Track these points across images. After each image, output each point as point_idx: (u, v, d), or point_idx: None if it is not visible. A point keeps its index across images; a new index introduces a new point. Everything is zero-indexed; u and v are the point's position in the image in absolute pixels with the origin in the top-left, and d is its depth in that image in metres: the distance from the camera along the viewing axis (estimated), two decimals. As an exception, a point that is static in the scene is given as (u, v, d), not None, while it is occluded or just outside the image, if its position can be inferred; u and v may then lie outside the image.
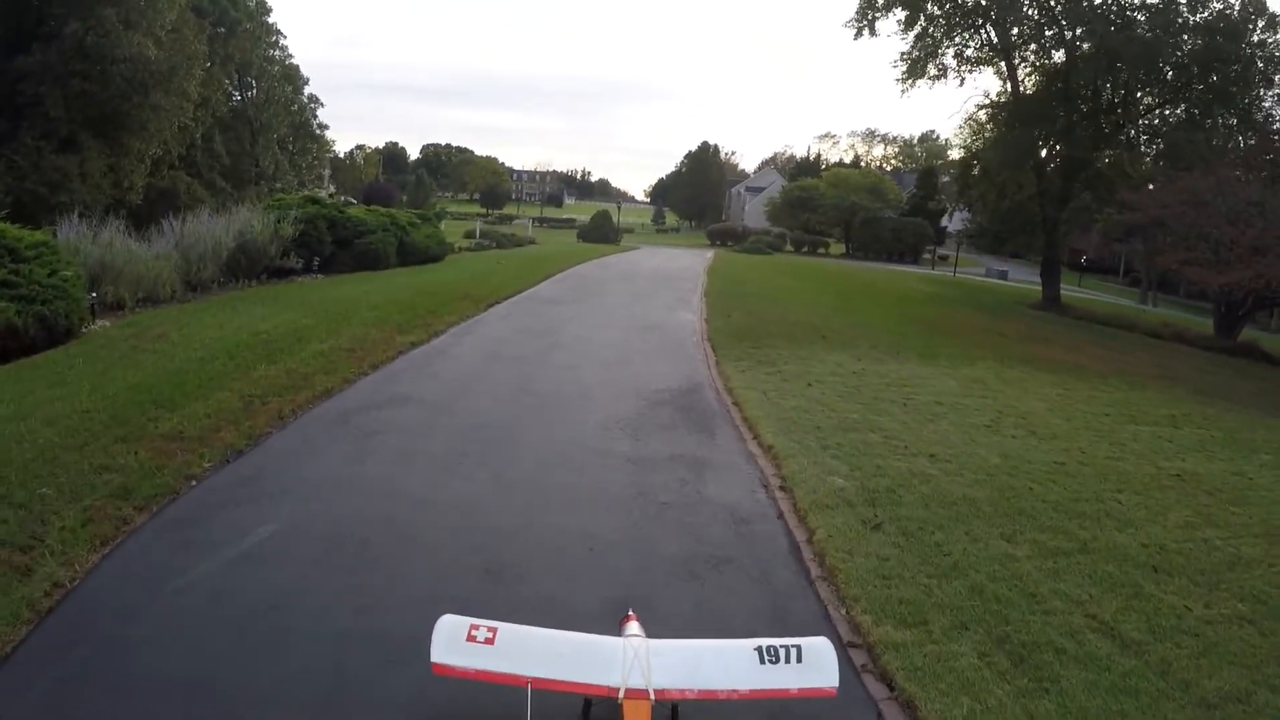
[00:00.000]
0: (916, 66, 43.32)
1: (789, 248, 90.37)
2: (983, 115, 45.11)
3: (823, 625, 7.40)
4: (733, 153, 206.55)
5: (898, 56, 43.85)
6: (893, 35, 48.73)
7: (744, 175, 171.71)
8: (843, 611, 7.73)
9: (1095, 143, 40.73)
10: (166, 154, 60.50)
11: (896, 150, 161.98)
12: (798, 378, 16.91)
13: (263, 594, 7.27)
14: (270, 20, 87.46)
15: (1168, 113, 41.51)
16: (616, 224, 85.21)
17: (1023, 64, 42.61)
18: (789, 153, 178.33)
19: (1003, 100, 42.62)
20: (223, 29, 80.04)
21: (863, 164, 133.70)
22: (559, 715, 5.58)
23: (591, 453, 11.53)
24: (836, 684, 5.61)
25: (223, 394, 12.55)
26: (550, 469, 10.76)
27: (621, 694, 5.30)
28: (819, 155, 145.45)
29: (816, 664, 5.67)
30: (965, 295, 46.08)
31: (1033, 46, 42.28)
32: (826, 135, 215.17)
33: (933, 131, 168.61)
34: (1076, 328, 36.09)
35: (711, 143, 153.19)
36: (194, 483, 9.53)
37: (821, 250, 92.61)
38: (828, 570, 8.41)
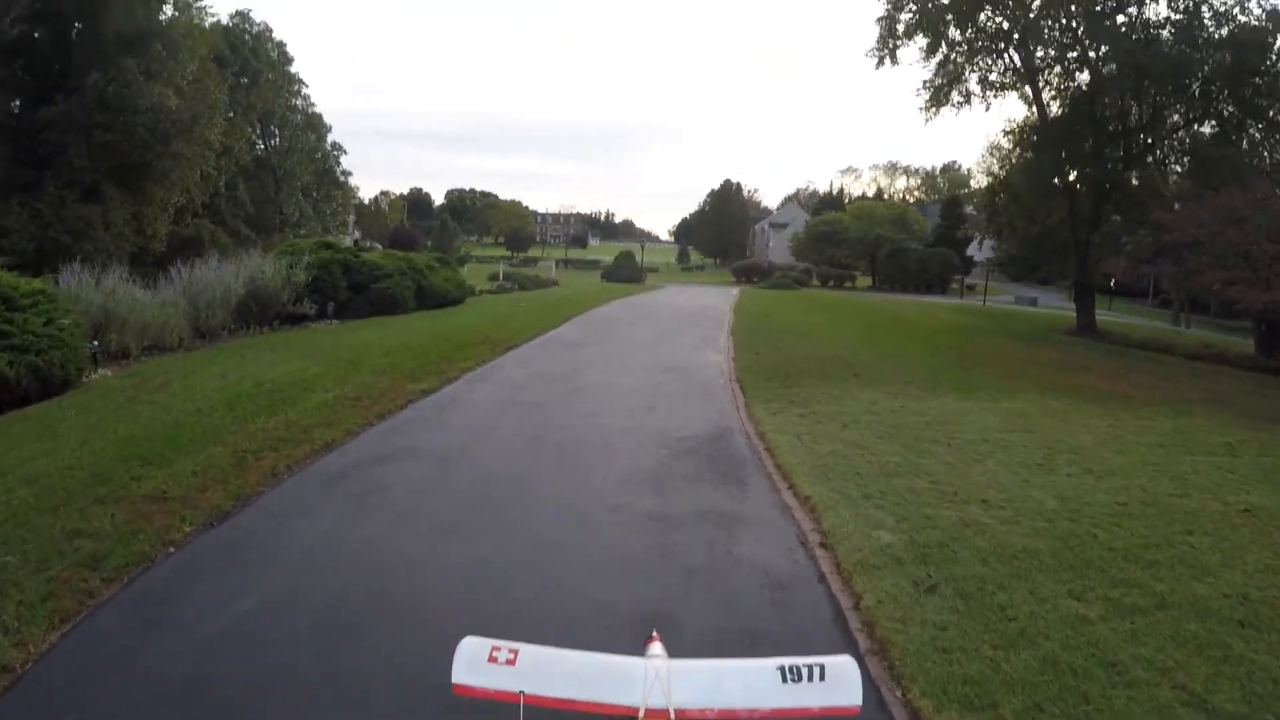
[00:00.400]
0: (940, 94, 42.36)
1: (815, 282, 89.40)
2: (1007, 141, 44.09)
3: (875, 713, 6.42)
4: (755, 190, 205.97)
5: (920, 85, 42.95)
6: (914, 64, 48.27)
7: (767, 212, 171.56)
8: (898, 694, 6.70)
9: (1125, 163, 39.60)
10: (190, 202, 60.74)
11: (919, 182, 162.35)
12: (832, 419, 15.91)
13: (233, 682, 6.40)
14: (292, 70, 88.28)
15: (1196, 129, 40.39)
16: (640, 264, 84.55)
17: (1047, 87, 41.58)
18: (811, 188, 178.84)
19: (1029, 124, 41.55)
20: (245, 79, 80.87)
21: (885, 196, 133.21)
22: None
23: (611, 509, 10.56)
24: (860, 703, 5.25)
25: (215, 449, 11.78)
26: (565, 529, 9.81)
27: (641, 713, 5.10)
28: (841, 189, 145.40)
29: (840, 683, 5.35)
30: (997, 324, 44.86)
31: (1057, 69, 41.30)
32: (848, 169, 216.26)
33: (955, 162, 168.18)
34: (1114, 353, 34.85)
35: (734, 180, 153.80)
36: (172, 549, 8.69)
37: (848, 284, 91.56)
38: (879, 643, 7.38)
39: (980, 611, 7.89)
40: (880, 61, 41.43)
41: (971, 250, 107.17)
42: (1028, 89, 41.99)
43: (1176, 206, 37.89)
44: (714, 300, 51.75)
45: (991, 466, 13.01)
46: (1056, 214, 42.42)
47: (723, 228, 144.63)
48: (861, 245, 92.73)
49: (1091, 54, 39.43)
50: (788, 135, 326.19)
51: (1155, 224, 36.82)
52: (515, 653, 5.41)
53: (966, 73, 41.51)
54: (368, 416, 14.32)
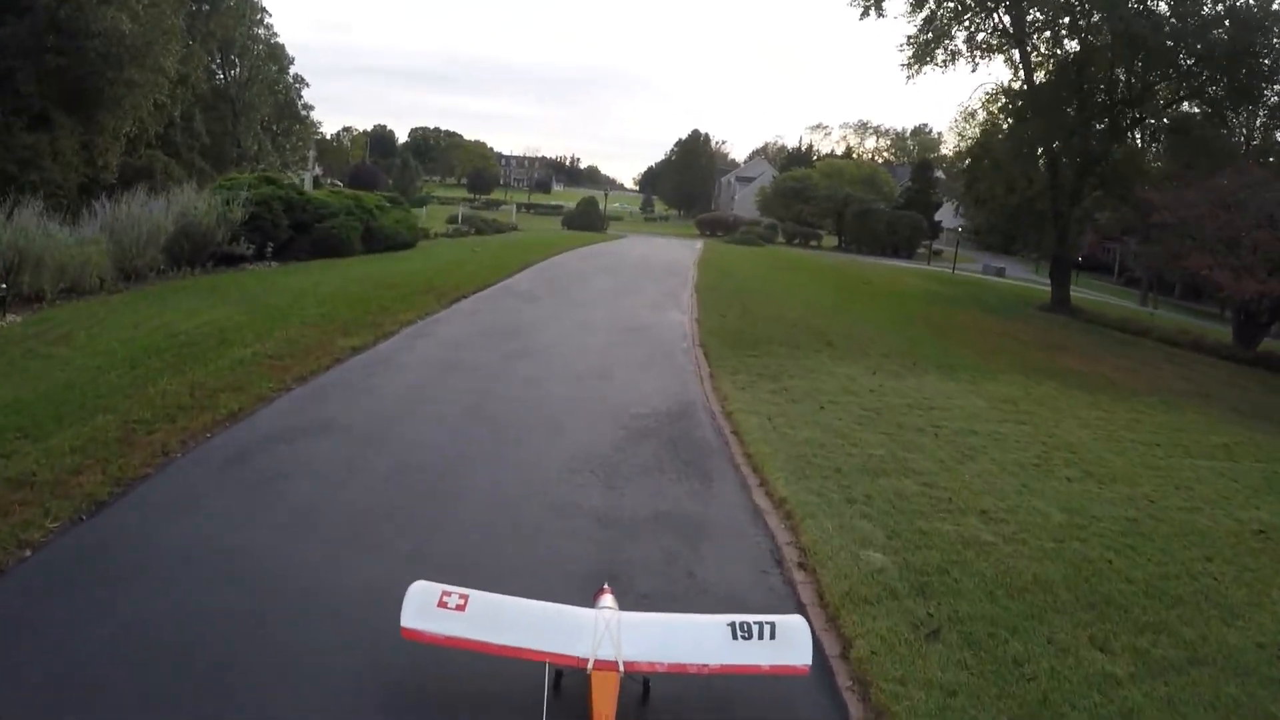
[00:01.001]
0: (924, 51, 40.78)
1: (780, 239, 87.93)
2: (993, 106, 42.56)
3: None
4: (723, 142, 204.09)
5: (904, 40, 41.38)
6: (899, 17, 46.72)
7: (734, 165, 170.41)
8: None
9: (1110, 137, 38.26)
10: (143, 132, 58.44)
11: (889, 143, 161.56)
12: (807, 397, 14.47)
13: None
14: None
15: (1185, 108, 39.13)
16: (603, 212, 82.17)
17: (1034, 52, 40.06)
18: (780, 143, 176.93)
19: (1016, 90, 40.01)
20: (205, 5, 78.08)
21: (855, 155, 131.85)
22: (531, 686, 5.36)
23: (552, 511, 8.98)
24: (809, 662, 5.62)
25: (104, 418, 10.10)
26: (494, 540, 8.20)
27: (590, 665, 5.26)
28: (810, 146, 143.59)
29: (790, 642, 5.66)
30: (968, 294, 43.67)
31: (1046, 34, 39.79)
32: (818, 126, 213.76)
33: (926, 124, 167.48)
34: (1091, 333, 33.83)
35: (702, 131, 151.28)
36: (27, 553, 7.06)
37: (813, 243, 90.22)
38: (875, 712, 5.95)
39: (993, 668, 6.52)
40: (865, 12, 39.90)
41: (940, 215, 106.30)
42: (1015, 53, 40.54)
43: (1155, 186, 36.85)
44: (678, 253, 50.07)
45: (985, 465, 11.66)
46: (1037, 185, 41.21)
47: (689, 179, 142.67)
48: (829, 204, 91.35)
49: (1082, 21, 37.91)
50: (759, 89, 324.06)
51: (1139, 202, 35.70)
52: (466, 599, 5.60)
53: (954, 30, 39.82)
54: (285, 379, 12.62)
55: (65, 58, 44.62)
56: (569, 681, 5.55)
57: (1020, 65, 40.34)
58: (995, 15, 39.72)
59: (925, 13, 39.87)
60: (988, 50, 40.61)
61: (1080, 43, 38.26)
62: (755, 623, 5.73)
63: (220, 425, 10.53)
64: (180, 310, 17.27)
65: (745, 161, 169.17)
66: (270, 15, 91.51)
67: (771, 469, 10.44)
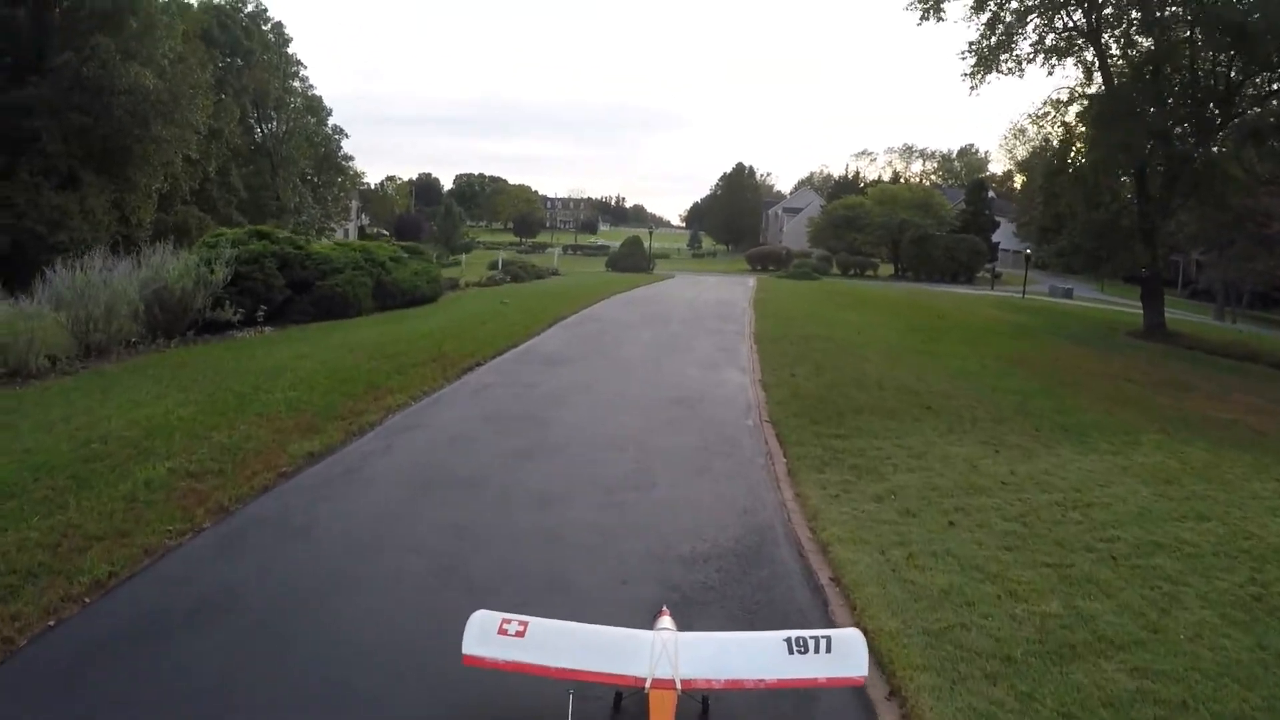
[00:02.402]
0: (988, 58, 36.90)
1: (835, 270, 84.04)
2: (1067, 114, 38.40)
3: None
4: (768, 174, 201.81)
5: (965, 47, 37.42)
6: (959, 21, 43.02)
7: (780, 196, 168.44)
8: None
9: (1200, 139, 33.88)
10: (177, 189, 58.83)
11: (935, 165, 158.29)
12: (925, 502, 10.49)
13: None
14: (290, 51, 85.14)
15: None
16: (649, 251, 78.26)
17: (1109, 50, 35.90)
18: (825, 171, 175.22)
19: (1095, 93, 35.78)
20: (237, 59, 76.84)
21: (901, 180, 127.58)
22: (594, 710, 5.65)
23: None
24: (865, 674, 5.64)
25: None
26: None
27: (648, 684, 5.34)
28: (857, 173, 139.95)
29: (846, 654, 5.67)
30: (1050, 323, 39.42)
31: (1120, 30, 35.63)
32: (863, 152, 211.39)
33: (972, 145, 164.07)
34: (1199, 363, 29.47)
35: (746, 164, 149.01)
36: None
37: (869, 273, 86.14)
38: None
39: None
40: (925, 15, 36.01)
41: (997, 236, 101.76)
42: (1087, 54, 36.50)
43: (1252, 193, 32.67)
44: (729, 293, 46.28)
45: (1197, 611, 7.82)
46: (1122, 198, 36.98)
47: (735, 212, 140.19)
48: (884, 231, 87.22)
49: (1161, 13, 33.79)
50: (800, 118, 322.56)
51: (1239, 210, 31.45)
52: (525, 625, 5.78)
53: (1023, 31, 35.88)
54: (197, 514, 8.97)
55: (91, 116, 44.37)
56: (628, 702, 5.73)
57: (1097, 66, 36.25)
58: (1064, 13, 35.69)
59: (988, 14, 36.07)
60: (1057, 53, 36.59)
61: (1156, 39, 34.14)
62: (811, 637, 5.76)
63: (66, 607, 6.88)
64: (121, 400, 13.93)
65: (791, 192, 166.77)
66: (306, 67, 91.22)
67: (907, 669, 6.48)
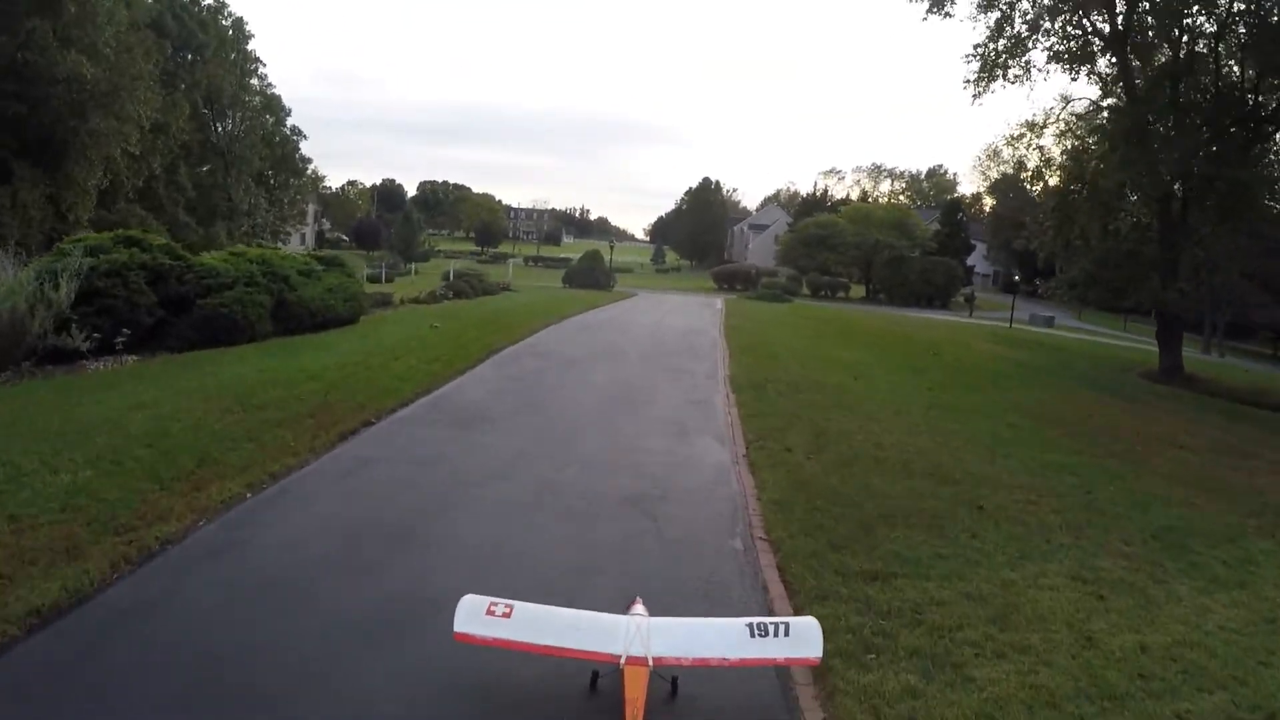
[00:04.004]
0: (993, 64, 32.91)
1: (805, 291, 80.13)
2: (1083, 130, 34.36)
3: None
4: (734, 189, 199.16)
5: (970, 51, 33.37)
6: (965, 20, 39.41)
7: (746, 213, 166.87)
8: None
9: (1236, 155, 29.88)
10: (118, 185, 56.18)
11: (904, 185, 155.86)
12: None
13: None
14: (250, 49, 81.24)
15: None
16: (609, 265, 73.06)
17: (1133, 59, 31.89)
18: (792, 189, 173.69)
19: (1121, 106, 31.64)
20: (189, 53, 72.60)
21: (869, 199, 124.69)
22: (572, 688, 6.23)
23: None
24: (820, 655, 6.29)
25: None
26: None
27: (623, 660, 5.84)
28: (825, 190, 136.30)
29: (803, 638, 6.33)
30: (1054, 361, 35.27)
31: (1147, 35, 31.69)
32: (831, 170, 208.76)
33: (940, 165, 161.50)
34: (1238, 417, 25.48)
35: (713, 179, 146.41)
36: None
37: (841, 294, 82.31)
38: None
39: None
40: (930, 9, 31.88)
41: (971, 260, 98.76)
42: (1102, 62, 32.58)
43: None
44: (697, 318, 41.69)
45: None
46: (1144, 224, 33.04)
47: (701, 228, 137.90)
48: (857, 252, 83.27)
49: (1187, 21, 29.93)
50: (768, 135, 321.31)
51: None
52: (511, 608, 6.35)
53: (1035, 37, 31.89)
54: None
55: (25, 105, 43.00)
56: (604, 683, 6.21)
57: (1117, 77, 32.25)
58: (1081, 15, 31.66)
59: (997, 13, 32.05)
60: (1072, 61, 32.57)
61: (1180, 45, 30.36)
62: (771, 623, 6.50)
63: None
64: None
65: (757, 209, 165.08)
66: (265, 65, 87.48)
67: None
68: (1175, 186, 30.94)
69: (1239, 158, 29.31)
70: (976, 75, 33.29)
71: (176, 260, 21.15)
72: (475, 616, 6.28)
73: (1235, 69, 30.77)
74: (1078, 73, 32.64)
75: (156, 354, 19.39)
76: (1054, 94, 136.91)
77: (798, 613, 7.74)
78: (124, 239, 20.79)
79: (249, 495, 10.15)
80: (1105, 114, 32.92)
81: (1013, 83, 33.31)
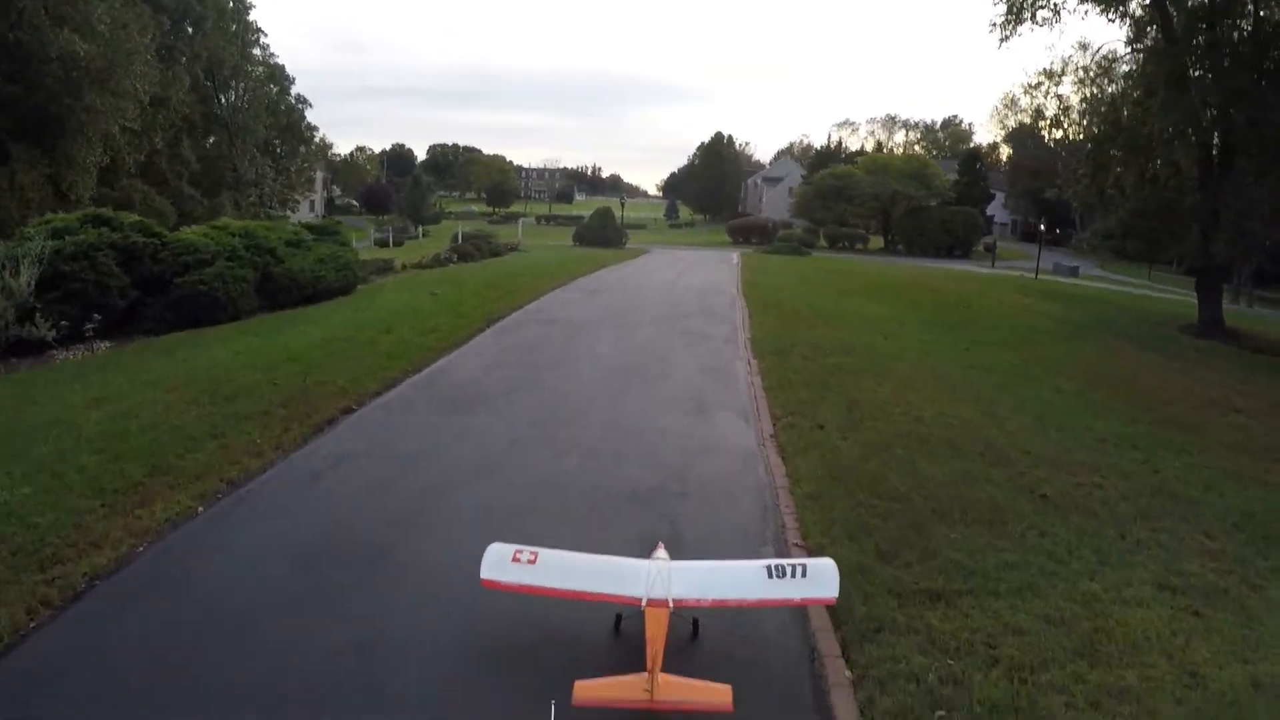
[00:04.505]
0: (1021, 5, 31.02)
1: (823, 244, 78.19)
2: (1117, 75, 32.41)
3: None
4: (747, 143, 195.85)
5: (995, -9, 31.45)
6: None
7: (759, 166, 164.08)
8: None
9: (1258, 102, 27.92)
10: (119, 161, 54.47)
11: (919, 136, 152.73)
12: None
13: None
14: (251, 19, 79.58)
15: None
16: (620, 222, 71.05)
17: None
18: (805, 141, 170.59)
19: (1163, 48, 29.55)
20: (187, 25, 70.84)
21: (885, 150, 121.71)
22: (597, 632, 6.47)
23: None
24: (836, 594, 6.27)
25: None
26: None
27: (644, 602, 5.90)
28: (840, 142, 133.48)
29: (819, 579, 6.32)
30: (1091, 315, 33.37)
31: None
32: (845, 122, 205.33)
33: (956, 116, 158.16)
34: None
35: (725, 133, 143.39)
36: None
37: (860, 246, 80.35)
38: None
39: None
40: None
41: (991, 209, 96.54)
42: (1134, 3, 30.59)
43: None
44: (713, 274, 40.04)
45: None
46: (1187, 170, 31.09)
47: (714, 182, 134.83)
48: (876, 202, 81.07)
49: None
50: (781, 87, 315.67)
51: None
52: (536, 555, 6.48)
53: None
54: None
55: (19, 85, 41.89)
56: (627, 625, 6.41)
57: (1149, 18, 30.25)
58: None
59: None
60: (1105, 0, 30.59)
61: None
62: (789, 565, 6.54)
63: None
64: None
65: (771, 162, 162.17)
66: (266, 35, 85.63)
67: None
68: (1214, 134, 28.97)
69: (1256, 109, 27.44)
70: (1004, 18, 31.36)
71: (151, 238, 19.74)
72: (501, 563, 6.40)
73: (1277, 10, 28.78)
74: (1114, 12, 30.59)
75: (133, 339, 18.23)
76: (1073, 41, 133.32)
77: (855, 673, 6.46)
78: (92, 218, 19.43)
79: (200, 509, 8.79)
80: (1140, 57, 30.88)
81: (1041, 25, 31.41)
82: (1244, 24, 28.85)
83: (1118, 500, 10.26)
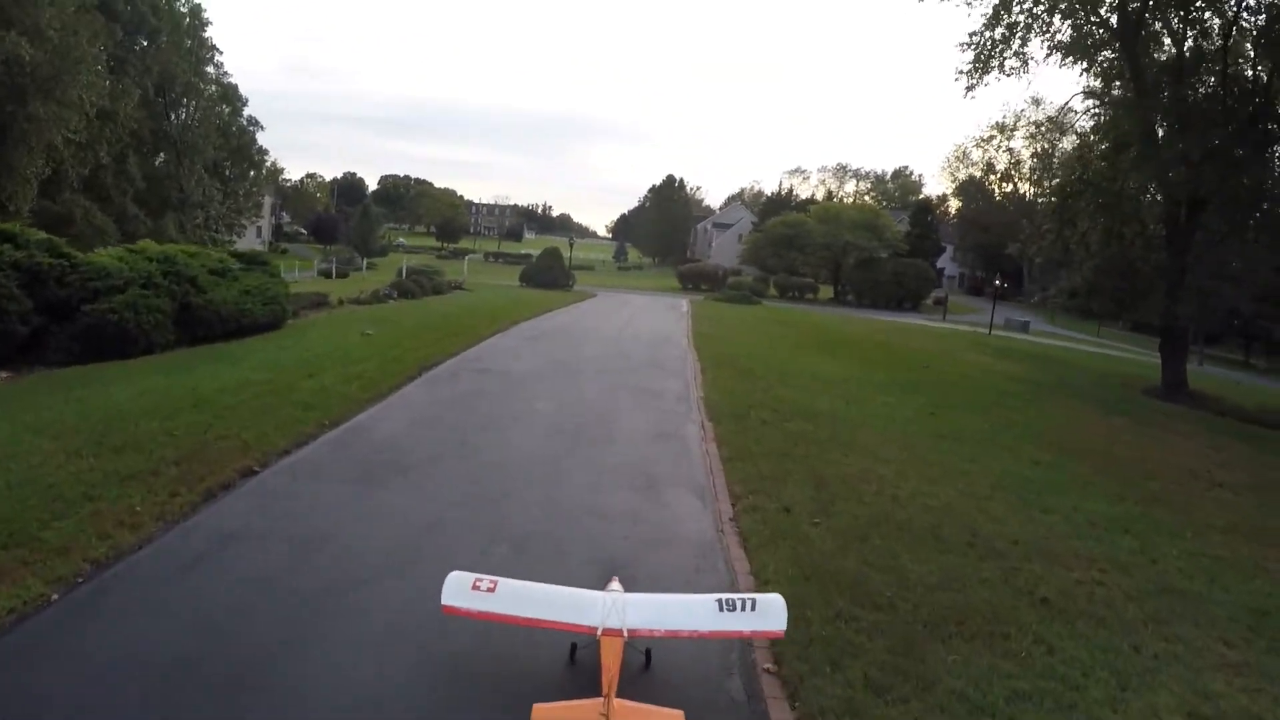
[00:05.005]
0: (989, 54, 30.37)
1: (773, 292, 77.50)
2: (1082, 126, 31.93)
3: None
4: (698, 188, 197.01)
5: (965, 39, 30.79)
6: (960, 4, 37.61)
7: (710, 211, 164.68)
8: None
9: (1254, 156, 27.43)
10: (62, 174, 52.47)
11: (869, 186, 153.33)
12: None
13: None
14: (207, 35, 77.70)
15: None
16: (568, 264, 69.11)
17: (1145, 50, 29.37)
18: (757, 188, 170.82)
19: (1125, 100, 29.04)
20: (141, 38, 68.82)
21: (835, 199, 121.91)
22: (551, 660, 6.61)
23: None
24: (784, 628, 6.47)
25: None
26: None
27: (600, 631, 6.09)
28: (790, 190, 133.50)
29: (768, 613, 6.51)
30: (1050, 375, 32.52)
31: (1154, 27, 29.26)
32: (796, 170, 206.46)
33: (906, 167, 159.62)
34: (1259, 442, 22.98)
35: (677, 176, 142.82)
36: None
37: (810, 296, 79.77)
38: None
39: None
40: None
41: (941, 262, 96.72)
42: (1105, 54, 30.15)
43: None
44: (662, 323, 38.74)
45: None
46: (1148, 228, 30.54)
47: (664, 225, 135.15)
48: (827, 252, 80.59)
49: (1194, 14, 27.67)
50: (732, 133, 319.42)
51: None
52: (495, 584, 6.59)
53: (1036, 26, 29.43)
54: None
55: None
56: (582, 654, 6.58)
57: (1118, 71, 29.80)
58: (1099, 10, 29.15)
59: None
60: (1076, 52, 30.08)
61: (1184, 39, 28.06)
62: (739, 599, 6.75)
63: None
64: None
65: (721, 208, 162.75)
66: (222, 53, 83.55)
67: None
68: (1183, 191, 28.40)
69: (1255, 159, 26.89)
70: (971, 65, 30.68)
71: (59, 259, 18.00)
72: (462, 591, 6.48)
73: (1246, 68, 28.46)
74: (1084, 62, 30.09)
75: (34, 369, 16.62)
76: (1025, 97, 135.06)
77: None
78: (-2, 234, 17.66)
79: (55, 596, 7.21)
80: (1103, 112, 30.42)
81: (1009, 75, 30.90)
82: (1210, 80, 28.45)
83: (1123, 601, 9.07)
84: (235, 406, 13.65)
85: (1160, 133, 28.13)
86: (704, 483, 12.43)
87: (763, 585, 8.45)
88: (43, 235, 18.74)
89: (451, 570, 6.94)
